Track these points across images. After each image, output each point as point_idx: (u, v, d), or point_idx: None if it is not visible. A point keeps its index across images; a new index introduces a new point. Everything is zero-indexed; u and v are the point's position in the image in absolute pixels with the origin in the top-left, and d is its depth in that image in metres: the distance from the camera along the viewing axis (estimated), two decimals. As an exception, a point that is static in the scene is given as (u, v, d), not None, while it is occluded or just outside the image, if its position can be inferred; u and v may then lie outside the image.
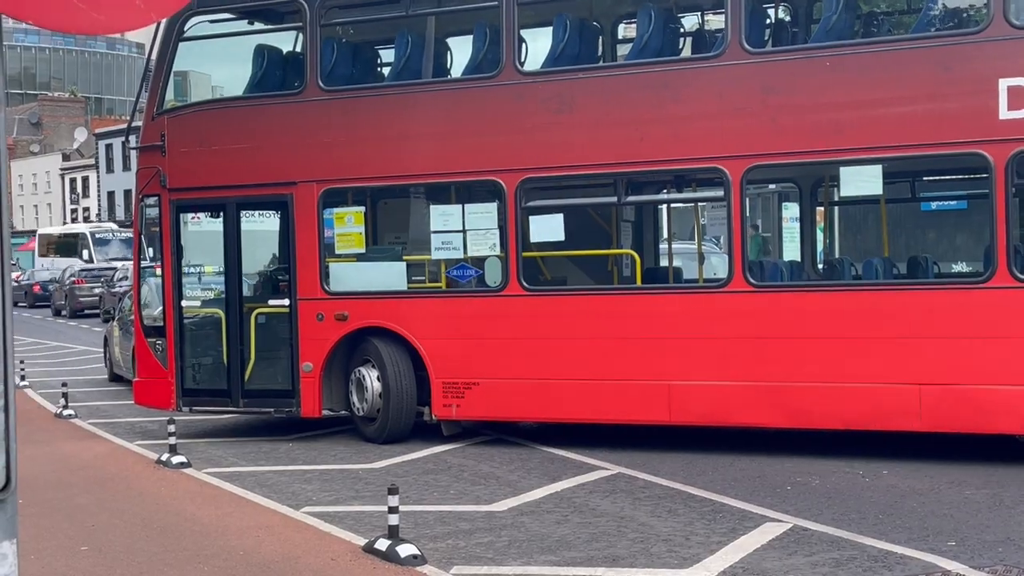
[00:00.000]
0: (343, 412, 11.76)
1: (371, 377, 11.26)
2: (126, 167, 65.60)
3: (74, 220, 76.62)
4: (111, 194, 72.56)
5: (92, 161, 76.73)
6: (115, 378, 18.27)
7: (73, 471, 10.46)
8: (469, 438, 11.41)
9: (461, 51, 11.79)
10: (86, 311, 36.90)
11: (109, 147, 72.11)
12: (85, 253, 45.65)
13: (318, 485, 9.59)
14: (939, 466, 9.42)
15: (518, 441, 11.24)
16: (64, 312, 38.84)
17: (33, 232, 74.57)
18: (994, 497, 8.38)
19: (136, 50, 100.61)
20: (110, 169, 72.99)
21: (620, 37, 12.80)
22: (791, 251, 13.73)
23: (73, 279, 39.02)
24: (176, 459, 10.29)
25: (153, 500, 9.11)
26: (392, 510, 6.93)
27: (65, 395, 14.24)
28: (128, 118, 13.51)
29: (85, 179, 78.33)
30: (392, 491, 6.95)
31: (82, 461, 10.99)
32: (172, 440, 10.44)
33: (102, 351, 19.59)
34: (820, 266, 11.98)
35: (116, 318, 18.39)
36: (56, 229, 57.15)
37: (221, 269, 12.08)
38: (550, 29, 11.10)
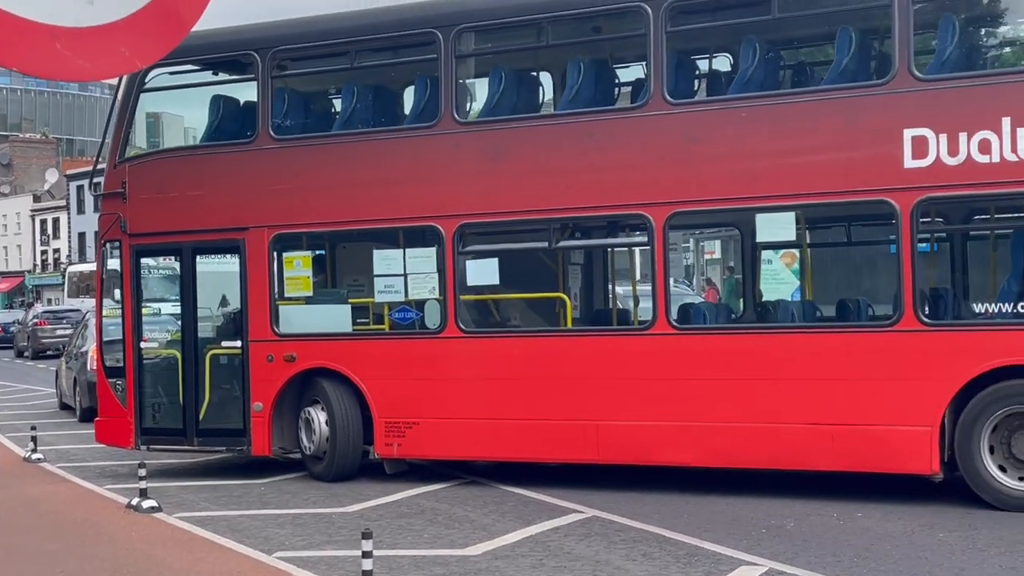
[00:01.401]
0: (295, 451, 12.01)
1: (319, 417, 11.59)
2: (97, 208, 65.01)
3: (44, 262, 75.92)
4: (82, 235, 72.20)
5: (63, 202, 76.42)
6: (64, 407, 19.98)
7: (42, 516, 10.37)
8: (443, 481, 11.43)
9: (406, 101, 12.20)
10: (48, 352, 37.31)
11: (80, 188, 71.85)
12: (116, 292, 43.46)
13: (291, 529, 9.51)
14: (912, 508, 9.45)
15: (492, 484, 11.22)
16: (27, 353, 39.29)
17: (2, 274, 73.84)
18: (967, 539, 8.41)
19: (108, 92, 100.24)
20: (81, 210, 72.68)
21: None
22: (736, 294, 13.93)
23: (36, 321, 40.00)
24: (147, 503, 10.16)
25: (124, 545, 9.01)
26: (366, 555, 6.83)
27: (34, 439, 14.10)
28: (93, 162, 13.83)
29: (56, 220, 77.95)
30: (366, 535, 6.87)
31: (51, 505, 10.89)
32: (143, 484, 10.30)
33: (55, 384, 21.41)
34: (753, 309, 12.18)
35: (64, 354, 20.29)
36: (87, 267, 53.02)
37: (178, 311, 12.48)
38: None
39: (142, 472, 10.36)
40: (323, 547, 8.80)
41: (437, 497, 10.73)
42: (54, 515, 10.42)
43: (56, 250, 77.19)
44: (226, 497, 11.17)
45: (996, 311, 9.56)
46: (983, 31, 10.27)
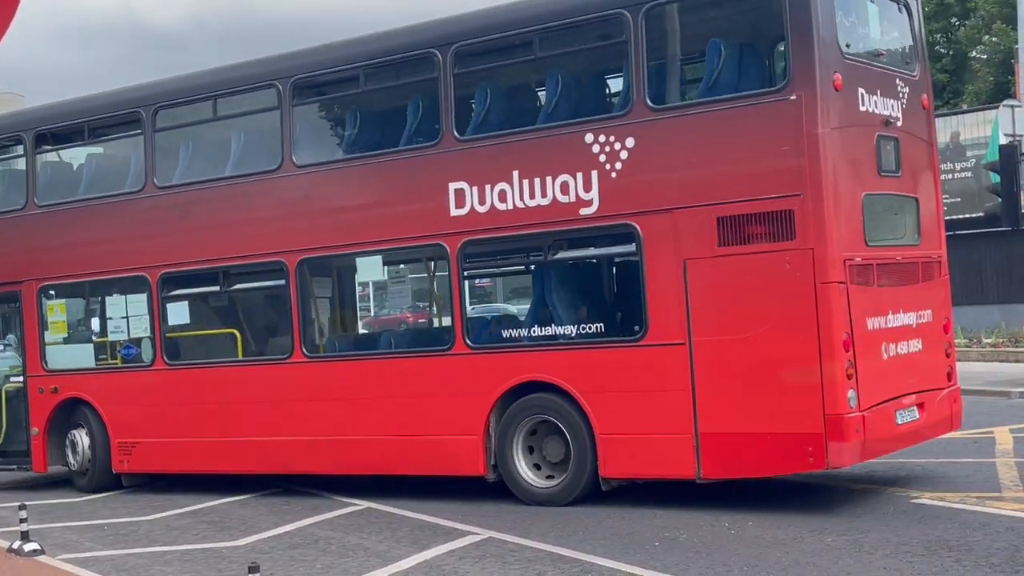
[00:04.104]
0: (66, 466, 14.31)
1: (83, 439, 14.04)
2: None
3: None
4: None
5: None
6: None
7: (-84, 564, 9.94)
8: (338, 508, 11.52)
9: (126, 170, 14.22)
10: None
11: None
12: None
13: (179, 566, 9.32)
14: (801, 515, 9.67)
15: (388, 509, 11.26)
16: None
17: None
18: (855, 543, 8.58)
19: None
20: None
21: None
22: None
23: None
24: (28, 546, 9.81)
25: (4, 592, 8.72)
26: (254, 588, 6.72)
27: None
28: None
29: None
30: (253, 569, 6.69)
31: (-73, 552, 10.45)
32: (24, 527, 9.97)
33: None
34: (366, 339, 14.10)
35: None
36: None
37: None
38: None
39: (23, 514, 10.04)
40: (212, 583, 8.62)
41: (332, 525, 10.64)
42: (-71, 563, 10.02)
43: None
44: (112, 536, 10.94)
45: (522, 335, 11.19)
46: (509, 96, 11.86)
